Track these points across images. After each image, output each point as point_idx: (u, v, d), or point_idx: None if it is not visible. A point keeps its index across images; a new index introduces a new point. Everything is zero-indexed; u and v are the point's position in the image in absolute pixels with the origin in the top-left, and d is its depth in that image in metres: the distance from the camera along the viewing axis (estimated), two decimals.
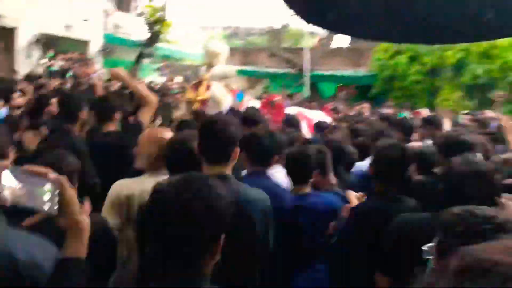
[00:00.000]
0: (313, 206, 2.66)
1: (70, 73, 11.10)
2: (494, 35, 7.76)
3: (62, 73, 11.35)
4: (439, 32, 6.91)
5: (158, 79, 16.39)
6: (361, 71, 17.14)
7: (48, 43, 13.28)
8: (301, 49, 18.78)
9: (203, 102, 5.26)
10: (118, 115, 3.56)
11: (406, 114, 8.73)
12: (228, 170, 2.09)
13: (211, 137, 2.05)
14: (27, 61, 12.56)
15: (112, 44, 16.77)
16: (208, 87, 5.36)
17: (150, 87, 10.60)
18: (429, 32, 7.00)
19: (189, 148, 2.19)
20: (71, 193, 1.11)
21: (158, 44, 18.72)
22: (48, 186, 1.06)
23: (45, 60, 12.66)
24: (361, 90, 16.50)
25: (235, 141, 2.08)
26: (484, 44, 11.34)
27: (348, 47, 18.88)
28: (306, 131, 4.97)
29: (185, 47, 26.80)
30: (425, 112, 8.19)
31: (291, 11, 14.26)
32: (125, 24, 20.35)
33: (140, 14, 18.56)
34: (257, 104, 5.70)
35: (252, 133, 2.83)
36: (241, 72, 20.85)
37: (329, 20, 7.10)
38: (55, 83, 8.31)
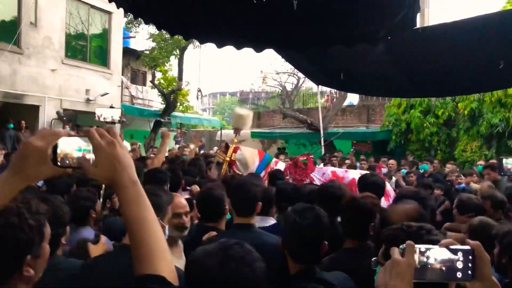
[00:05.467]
0: None
1: None
2: (507, 84, 7.90)
3: None
4: (453, 85, 7.06)
5: (175, 147, 16.68)
6: (375, 127, 17.32)
7: (69, 118, 13.76)
8: (313, 109, 19.14)
9: (232, 162, 5.48)
10: None
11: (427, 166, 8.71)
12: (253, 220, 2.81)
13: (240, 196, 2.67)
14: None
15: (129, 115, 17.27)
16: (235, 150, 5.60)
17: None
18: (442, 86, 7.17)
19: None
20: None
21: (174, 113, 19.24)
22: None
23: None
24: (376, 145, 16.61)
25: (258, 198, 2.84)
26: (498, 92, 11.44)
27: (360, 104, 19.19)
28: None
29: (199, 114, 27.45)
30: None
31: (302, 74, 14.52)
32: (141, 95, 21.10)
33: (154, 86, 19.26)
34: (282, 165, 5.76)
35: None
36: (255, 135, 21.30)
37: (339, 81, 7.35)
38: None
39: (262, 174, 5.28)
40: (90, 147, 1.10)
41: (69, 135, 1.11)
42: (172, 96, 18.29)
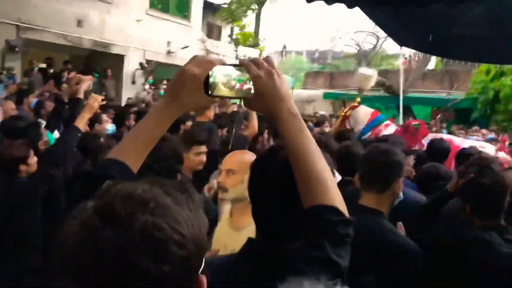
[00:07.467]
0: None
1: None
2: None
3: None
4: None
5: None
6: (457, 94, 16.35)
7: (152, 69, 14.21)
8: (390, 71, 18.36)
9: (346, 117, 5.94)
10: None
11: None
12: None
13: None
14: (131, 86, 13.59)
15: None
16: (354, 107, 6.03)
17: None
18: None
19: None
20: None
21: None
22: None
23: (147, 86, 13.59)
24: (459, 113, 15.72)
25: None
26: None
27: (443, 69, 18.15)
28: None
29: None
30: None
31: (385, 34, 13.84)
32: (216, 50, 21.30)
33: (232, 41, 19.36)
34: (393, 128, 5.76)
35: None
36: (328, 95, 20.90)
37: (427, 43, 6.94)
38: None
39: (368, 134, 5.56)
40: (246, 77, 1.05)
41: (223, 63, 1.06)
42: (248, 52, 18.34)
